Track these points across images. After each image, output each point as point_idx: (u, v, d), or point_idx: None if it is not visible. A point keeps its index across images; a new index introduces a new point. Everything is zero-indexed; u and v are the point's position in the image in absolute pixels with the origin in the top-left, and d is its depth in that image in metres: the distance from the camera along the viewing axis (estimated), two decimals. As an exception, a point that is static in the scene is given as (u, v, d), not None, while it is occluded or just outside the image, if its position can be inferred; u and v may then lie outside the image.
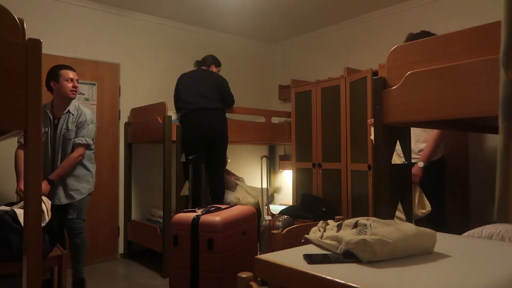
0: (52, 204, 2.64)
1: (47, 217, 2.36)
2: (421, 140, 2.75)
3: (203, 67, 3.89)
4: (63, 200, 2.91)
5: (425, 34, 2.63)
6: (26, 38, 1.19)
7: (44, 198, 2.53)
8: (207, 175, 3.83)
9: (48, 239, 2.32)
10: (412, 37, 2.70)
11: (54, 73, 2.88)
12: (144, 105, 4.04)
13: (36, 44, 1.18)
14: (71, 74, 2.90)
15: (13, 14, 1.18)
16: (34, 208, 1.17)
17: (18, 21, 1.19)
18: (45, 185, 2.80)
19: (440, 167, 2.79)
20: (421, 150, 2.73)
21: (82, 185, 2.98)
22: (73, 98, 2.94)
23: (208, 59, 3.92)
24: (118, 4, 4.09)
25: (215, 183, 3.71)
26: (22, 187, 2.70)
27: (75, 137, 2.92)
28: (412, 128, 2.72)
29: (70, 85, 2.87)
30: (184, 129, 3.61)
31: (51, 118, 2.93)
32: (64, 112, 2.92)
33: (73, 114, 2.94)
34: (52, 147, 2.92)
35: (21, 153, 2.81)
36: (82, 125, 2.94)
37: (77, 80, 2.93)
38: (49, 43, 3.71)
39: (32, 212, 1.17)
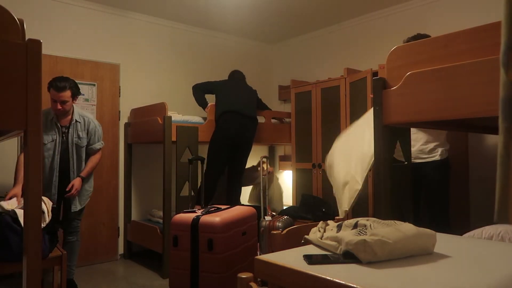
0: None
1: (47, 217, 2.36)
2: (431, 139, 2.76)
3: (242, 80, 4.11)
4: (78, 206, 3.02)
5: (420, 37, 2.63)
6: (26, 38, 1.19)
7: (44, 198, 2.53)
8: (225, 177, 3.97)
9: (48, 239, 2.32)
10: (407, 41, 2.70)
11: (49, 87, 2.86)
12: (144, 106, 4.04)
13: (36, 44, 1.18)
14: (55, 96, 2.84)
15: (13, 14, 1.18)
16: (34, 208, 1.17)
17: (18, 21, 1.19)
18: (78, 182, 2.95)
19: (445, 167, 2.80)
20: (431, 150, 2.75)
21: (91, 189, 3.14)
22: (59, 114, 2.94)
23: (241, 74, 4.14)
24: (118, 4, 4.09)
25: (234, 185, 3.89)
26: (15, 192, 2.62)
27: (92, 144, 3.05)
28: (422, 129, 2.73)
29: (53, 105, 2.86)
30: (219, 128, 3.73)
31: (59, 126, 2.94)
32: (72, 122, 2.98)
33: (80, 122, 3.01)
34: (63, 155, 2.95)
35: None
36: (94, 131, 3.07)
37: (62, 101, 2.84)
38: (49, 43, 3.71)
39: (32, 212, 1.17)
